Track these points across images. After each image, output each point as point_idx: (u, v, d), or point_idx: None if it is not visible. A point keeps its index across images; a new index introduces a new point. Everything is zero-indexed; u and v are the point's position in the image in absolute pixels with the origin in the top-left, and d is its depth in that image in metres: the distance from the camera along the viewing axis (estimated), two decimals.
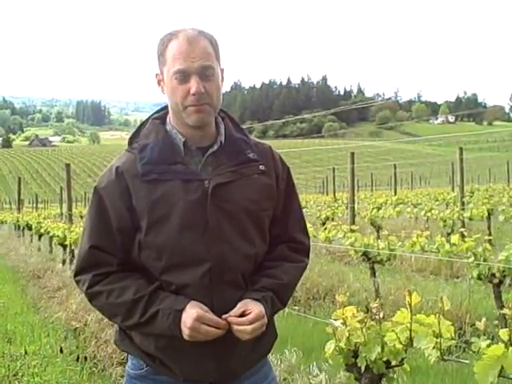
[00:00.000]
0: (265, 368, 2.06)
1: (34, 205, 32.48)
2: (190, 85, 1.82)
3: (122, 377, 4.68)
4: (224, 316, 1.79)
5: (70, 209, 10.70)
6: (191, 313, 1.75)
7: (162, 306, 1.79)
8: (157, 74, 1.92)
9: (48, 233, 12.09)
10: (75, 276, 1.93)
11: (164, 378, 1.90)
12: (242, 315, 1.79)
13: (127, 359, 2.04)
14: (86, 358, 5.20)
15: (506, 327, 1.85)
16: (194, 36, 1.84)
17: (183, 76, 1.82)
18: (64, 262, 10.15)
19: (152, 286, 1.83)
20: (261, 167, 1.95)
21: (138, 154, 1.87)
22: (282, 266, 1.97)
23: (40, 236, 13.72)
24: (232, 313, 1.80)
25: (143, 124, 1.99)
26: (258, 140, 2.07)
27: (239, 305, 1.82)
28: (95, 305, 1.92)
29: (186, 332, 1.75)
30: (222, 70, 1.93)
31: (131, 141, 1.95)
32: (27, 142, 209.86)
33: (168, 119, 1.96)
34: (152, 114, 2.02)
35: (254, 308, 1.80)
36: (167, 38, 1.86)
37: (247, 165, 1.93)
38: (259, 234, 1.94)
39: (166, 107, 2.00)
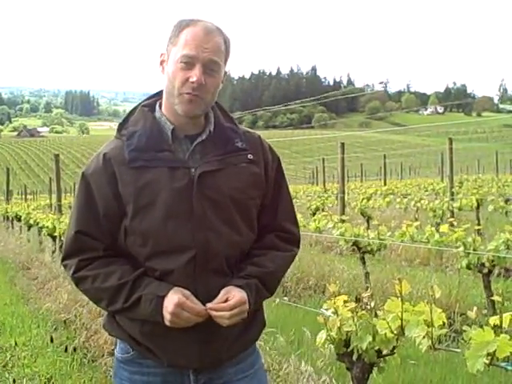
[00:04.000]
0: (252, 357, 2.05)
1: (23, 196, 32.28)
2: (192, 73, 1.82)
3: (112, 367, 4.68)
4: (208, 304, 1.79)
5: (59, 199, 10.66)
6: (173, 298, 1.76)
7: (144, 292, 1.81)
8: (162, 54, 1.92)
9: (37, 224, 12.03)
10: (62, 260, 1.95)
11: (150, 362, 1.93)
12: (225, 302, 1.80)
13: (116, 344, 2.06)
14: (75, 348, 5.20)
15: (495, 315, 1.86)
16: (211, 29, 1.85)
17: (189, 62, 1.82)
18: (53, 253, 10.11)
19: (136, 272, 1.84)
20: (249, 156, 1.95)
21: (126, 140, 1.88)
22: (269, 254, 1.97)
23: (29, 227, 13.65)
24: (216, 300, 1.80)
25: (132, 111, 2.00)
26: (248, 129, 2.07)
27: (222, 292, 1.82)
28: (81, 289, 1.95)
29: (167, 317, 1.77)
30: (225, 73, 1.95)
31: (120, 128, 1.95)
32: (15, 133, 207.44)
33: (157, 106, 1.97)
34: (142, 102, 2.02)
35: (235, 294, 1.80)
36: (185, 22, 1.86)
37: (235, 153, 1.93)
38: (245, 222, 1.94)
39: (155, 95, 2.02)
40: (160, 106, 1.97)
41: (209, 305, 1.80)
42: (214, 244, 1.85)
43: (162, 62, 1.92)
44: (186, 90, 1.83)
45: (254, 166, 1.96)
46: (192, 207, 1.84)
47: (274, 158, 2.04)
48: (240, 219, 1.92)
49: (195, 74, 1.81)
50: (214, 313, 1.79)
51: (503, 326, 1.82)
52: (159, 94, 2.00)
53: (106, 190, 1.86)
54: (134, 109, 2.00)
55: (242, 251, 1.94)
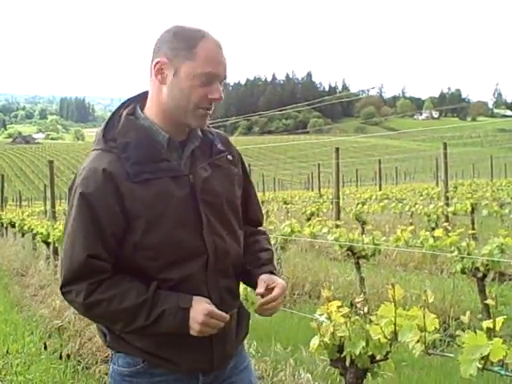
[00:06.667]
0: (243, 351, 2.14)
1: (18, 202, 32.20)
2: (211, 89, 1.82)
3: (106, 374, 4.64)
4: (258, 291, 1.90)
5: (53, 206, 10.59)
6: (201, 308, 1.78)
7: (167, 306, 1.78)
8: (159, 62, 1.82)
9: (31, 230, 11.97)
10: (65, 286, 1.82)
11: (162, 371, 1.88)
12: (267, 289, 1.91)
13: (114, 359, 1.95)
14: (69, 355, 5.16)
15: (489, 319, 1.85)
16: (219, 43, 1.85)
17: (209, 79, 1.81)
18: (48, 260, 10.06)
19: (152, 287, 1.80)
20: (229, 157, 2.01)
21: (122, 153, 1.81)
22: (260, 238, 2.13)
23: (23, 234, 13.59)
24: (260, 290, 1.90)
25: (112, 122, 1.89)
26: (214, 129, 2.07)
27: (264, 278, 1.93)
28: (93, 315, 1.85)
29: (196, 328, 1.77)
30: None
31: (105, 140, 1.85)
32: (10, 140, 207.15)
33: (140, 113, 1.89)
34: (117, 109, 1.93)
35: (278, 282, 1.93)
36: (198, 34, 1.81)
37: (219, 156, 1.97)
38: (237, 221, 2.01)
39: (128, 101, 1.94)
40: (141, 111, 1.89)
41: (261, 300, 1.89)
42: (221, 247, 1.90)
43: (161, 71, 1.82)
44: (203, 105, 1.84)
45: (233, 166, 2.02)
46: (199, 214, 1.85)
47: (238, 153, 2.11)
48: (233, 219, 1.98)
49: (217, 92, 1.83)
50: (267, 306, 1.89)
51: (496, 329, 1.81)
52: (133, 100, 1.94)
53: (112, 206, 1.78)
54: (113, 117, 1.90)
55: (237, 250, 1.99)
